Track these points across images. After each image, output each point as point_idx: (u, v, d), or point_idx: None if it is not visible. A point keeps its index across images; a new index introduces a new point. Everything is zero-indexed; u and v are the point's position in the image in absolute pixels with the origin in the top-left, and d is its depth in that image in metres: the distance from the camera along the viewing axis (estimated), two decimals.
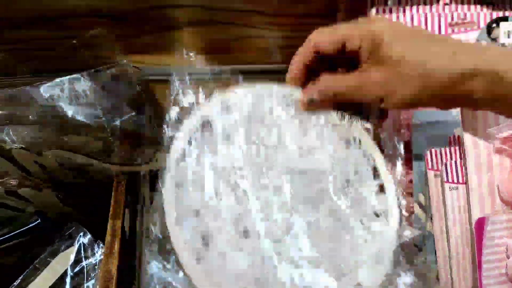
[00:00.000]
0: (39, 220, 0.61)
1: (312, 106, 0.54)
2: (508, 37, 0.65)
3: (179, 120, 0.56)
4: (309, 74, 0.54)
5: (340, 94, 0.52)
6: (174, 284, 0.49)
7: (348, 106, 0.56)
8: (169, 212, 0.50)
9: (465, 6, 0.67)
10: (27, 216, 0.61)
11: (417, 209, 0.65)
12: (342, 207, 0.54)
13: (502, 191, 0.58)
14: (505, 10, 0.66)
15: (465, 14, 0.65)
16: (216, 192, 0.52)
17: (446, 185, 0.60)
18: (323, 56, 0.52)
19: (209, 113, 0.55)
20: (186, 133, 0.54)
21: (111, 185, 0.58)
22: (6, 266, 0.60)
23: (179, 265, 0.49)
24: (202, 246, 0.50)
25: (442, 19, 0.65)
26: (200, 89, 0.59)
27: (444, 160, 0.61)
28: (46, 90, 0.60)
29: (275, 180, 0.54)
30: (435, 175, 0.62)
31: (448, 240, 0.61)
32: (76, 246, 0.56)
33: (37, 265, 0.55)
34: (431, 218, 0.63)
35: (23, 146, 0.57)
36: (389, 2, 0.66)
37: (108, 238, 0.52)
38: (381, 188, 0.57)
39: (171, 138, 0.54)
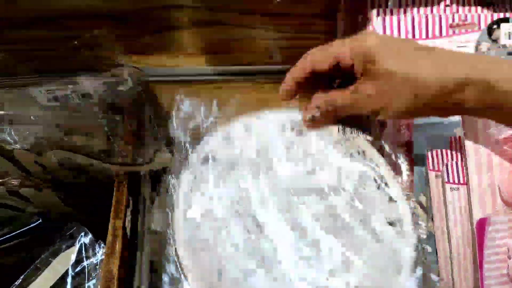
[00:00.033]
0: (40, 220, 0.61)
1: (315, 123, 0.56)
2: (509, 38, 0.65)
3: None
4: (309, 91, 0.57)
5: (339, 109, 0.54)
6: None
7: (348, 120, 0.58)
8: (180, 248, 0.52)
9: (466, 8, 0.67)
10: (28, 216, 0.61)
11: (418, 210, 0.65)
12: (353, 221, 0.55)
13: (503, 192, 0.58)
14: (506, 11, 0.66)
15: (466, 16, 0.66)
16: (226, 222, 0.54)
17: (447, 186, 0.60)
18: (320, 73, 0.55)
19: (213, 147, 0.58)
20: (192, 168, 0.56)
21: (112, 185, 0.57)
22: (7, 266, 0.60)
23: None
24: (216, 279, 0.51)
25: (443, 20, 0.65)
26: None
27: (445, 161, 0.61)
28: (47, 90, 0.60)
29: (283, 203, 0.55)
30: (436, 176, 0.62)
31: (449, 241, 0.61)
32: (77, 246, 0.56)
33: (38, 265, 0.55)
34: (432, 219, 0.63)
35: (24, 146, 0.57)
36: (389, 3, 0.66)
37: (109, 238, 0.52)
38: (390, 198, 0.57)
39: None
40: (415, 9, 0.66)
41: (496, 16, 0.65)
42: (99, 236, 0.57)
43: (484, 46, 0.65)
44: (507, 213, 0.58)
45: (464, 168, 0.60)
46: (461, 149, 0.61)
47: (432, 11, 0.67)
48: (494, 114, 0.51)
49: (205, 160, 0.58)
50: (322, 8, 0.71)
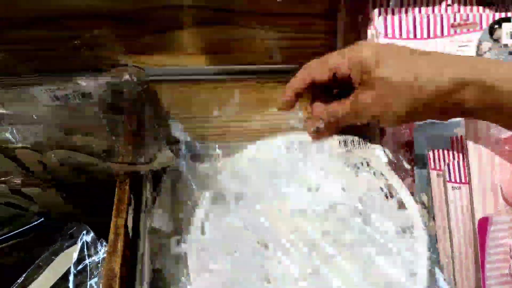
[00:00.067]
0: (42, 219, 0.61)
1: (319, 134, 0.59)
2: (511, 38, 0.65)
3: None
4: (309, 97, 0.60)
5: (341, 119, 0.57)
6: None
7: (349, 129, 0.61)
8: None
9: (468, 7, 0.67)
10: (30, 215, 0.61)
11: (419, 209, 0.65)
12: (363, 233, 0.55)
13: (505, 192, 0.58)
14: (508, 11, 0.66)
15: (468, 15, 0.66)
16: (238, 253, 0.54)
17: (449, 185, 0.60)
18: (320, 85, 0.58)
19: (221, 184, 0.60)
20: (203, 206, 0.59)
21: (114, 185, 0.57)
22: (9, 264, 0.60)
23: None
24: None
25: (445, 20, 0.66)
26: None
27: (446, 160, 0.62)
28: (48, 89, 0.59)
29: (292, 223, 0.55)
30: (438, 175, 0.62)
31: (450, 240, 0.61)
32: (79, 244, 0.56)
33: (40, 264, 0.55)
34: (434, 218, 0.63)
35: (26, 146, 0.57)
36: (391, 3, 0.66)
37: (111, 236, 0.52)
38: (400, 204, 0.57)
39: None
40: (416, 9, 0.67)
41: (497, 15, 0.66)
42: (101, 235, 0.57)
43: (486, 45, 0.65)
44: (509, 213, 0.58)
45: (466, 167, 0.60)
46: (462, 148, 0.61)
47: (433, 10, 0.67)
48: (495, 115, 0.51)
49: (214, 199, 0.59)
50: (322, 8, 0.72)
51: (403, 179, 0.65)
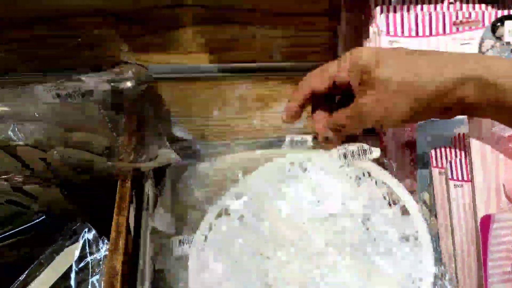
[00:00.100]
0: (43, 217, 0.61)
1: (329, 142, 0.59)
2: None
3: None
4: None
5: (345, 125, 0.57)
6: None
7: (350, 139, 0.61)
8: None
9: (470, 5, 0.67)
10: (31, 212, 0.61)
11: (421, 207, 0.65)
12: (367, 242, 0.54)
13: (508, 190, 0.58)
14: (510, 8, 0.66)
15: (470, 13, 0.66)
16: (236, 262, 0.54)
17: (451, 183, 0.60)
18: (321, 94, 0.58)
19: (226, 203, 0.60)
20: (205, 226, 0.58)
21: (115, 183, 0.57)
22: (11, 262, 0.60)
23: None
24: None
25: (447, 18, 0.65)
26: None
27: (448, 158, 0.61)
28: (50, 88, 0.59)
29: (294, 235, 0.55)
30: (440, 173, 0.62)
31: (453, 238, 0.61)
32: (81, 242, 0.56)
33: (42, 261, 0.55)
34: (436, 216, 0.63)
35: (28, 143, 0.57)
36: (393, 1, 0.66)
37: (113, 234, 0.52)
38: (403, 211, 0.57)
39: None
40: (418, 7, 0.66)
41: (500, 13, 0.65)
42: (103, 232, 0.57)
43: (488, 43, 0.65)
44: None
45: (468, 165, 0.60)
46: (465, 146, 0.61)
47: (435, 8, 0.67)
48: (495, 114, 0.51)
49: (219, 214, 0.59)
50: (325, 7, 0.72)
51: (404, 179, 0.66)
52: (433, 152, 0.62)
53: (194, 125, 0.82)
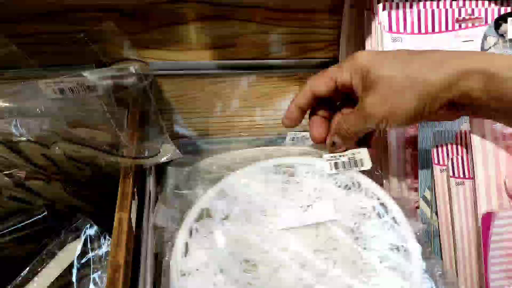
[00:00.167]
0: (45, 212, 0.61)
1: (337, 147, 0.59)
2: None
3: None
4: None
5: (351, 128, 0.56)
6: None
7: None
8: None
9: (473, 2, 0.67)
10: (34, 208, 0.61)
11: (422, 204, 0.65)
12: (355, 251, 0.54)
13: (509, 187, 0.58)
14: None
15: (473, 10, 0.65)
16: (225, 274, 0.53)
17: (452, 180, 0.60)
18: (323, 99, 0.58)
19: (206, 204, 0.59)
20: (187, 227, 0.57)
21: (118, 178, 0.58)
22: (12, 257, 0.60)
23: None
24: None
25: (449, 15, 0.65)
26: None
27: (450, 155, 0.62)
28: (53, 83, 0.60)
29: (282, 242, 0.55)
30: (441, 170, 0.62)
31: (454, 235, 0.61)
32: (83, 238, 0.56)
33: (43, 257, 0.55)
34: (437, 213, 0.63)
35: (31, 139, 0.57)
36: None
37: (115, 229, 0.52)
38: (392, 222, 0.57)
39: None
40: (421, 3, 0.66)
41: (503, 10, 0.65)
42: (105, 228, 0.57)
43: (491, 40, 0.65)
44: None
45: (470, 162, 0.60)
46: (466, 143, 0.61)
47: (438, 5, 0.67)
48: (500, 111, 0.51)
49: (200, 217, 0.58)
50: (328, 3, 0.72)
51: (405, 177, 0.66)
52: (434, 149, 0.62)
53: (196, 122, 0.83)
